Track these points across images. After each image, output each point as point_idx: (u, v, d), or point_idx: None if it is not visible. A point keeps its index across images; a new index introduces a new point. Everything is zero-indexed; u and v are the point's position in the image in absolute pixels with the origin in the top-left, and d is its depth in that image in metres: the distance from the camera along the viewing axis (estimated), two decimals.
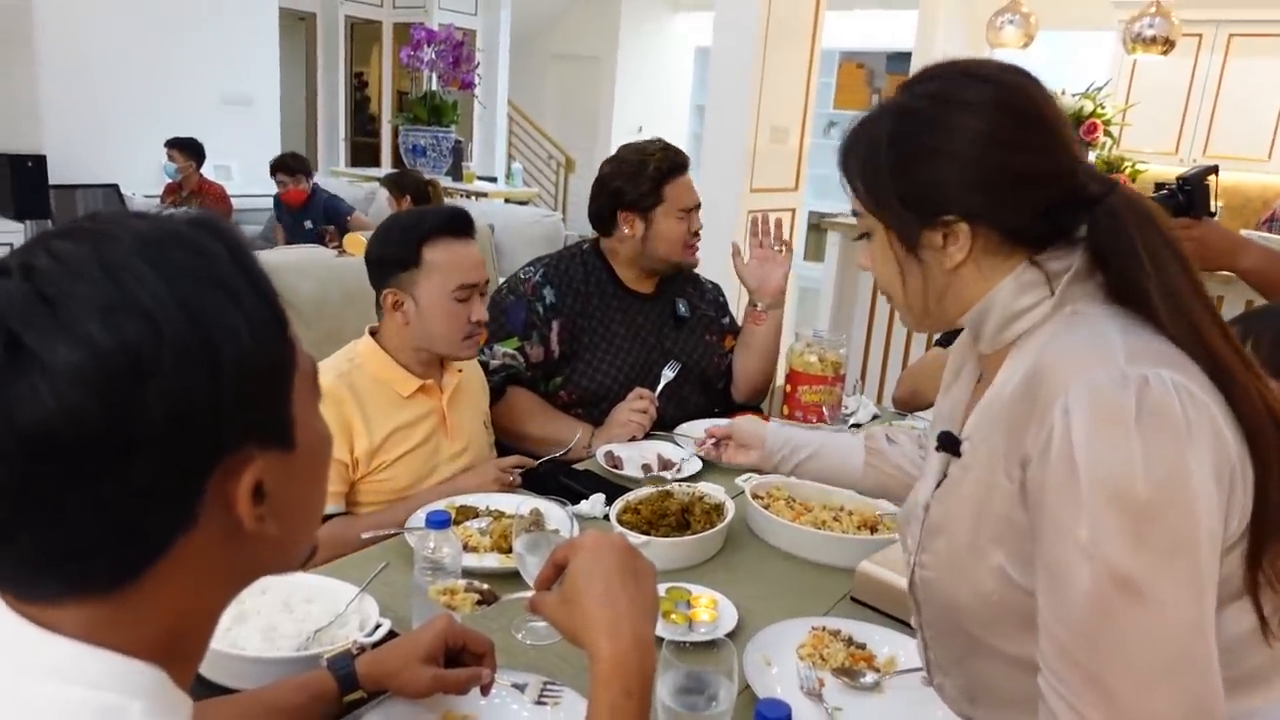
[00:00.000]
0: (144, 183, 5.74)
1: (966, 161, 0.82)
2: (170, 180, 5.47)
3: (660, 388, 1.96)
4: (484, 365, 1.91)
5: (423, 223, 1.59)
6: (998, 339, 0.86)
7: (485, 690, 0.98)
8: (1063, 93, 3.56)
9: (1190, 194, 1.95)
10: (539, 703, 0.94)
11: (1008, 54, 4.32)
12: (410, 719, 0.99)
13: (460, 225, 1.60)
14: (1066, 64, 5.83)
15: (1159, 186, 1.93)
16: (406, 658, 0.96)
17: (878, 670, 1.16)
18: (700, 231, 2.06)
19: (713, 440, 1.47)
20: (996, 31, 4.03)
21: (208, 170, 5.66)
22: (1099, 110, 3.51)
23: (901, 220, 0.86)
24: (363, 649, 0.99)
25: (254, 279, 0.55)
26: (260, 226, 5.72)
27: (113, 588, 0.52)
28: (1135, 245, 0.78)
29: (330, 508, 1.51)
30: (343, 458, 1.52)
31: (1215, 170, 1.99)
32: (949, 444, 0.89)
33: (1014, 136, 0.81)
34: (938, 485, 0.91)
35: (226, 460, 0.52)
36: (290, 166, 5.12)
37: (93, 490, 0.48)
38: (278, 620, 1.10)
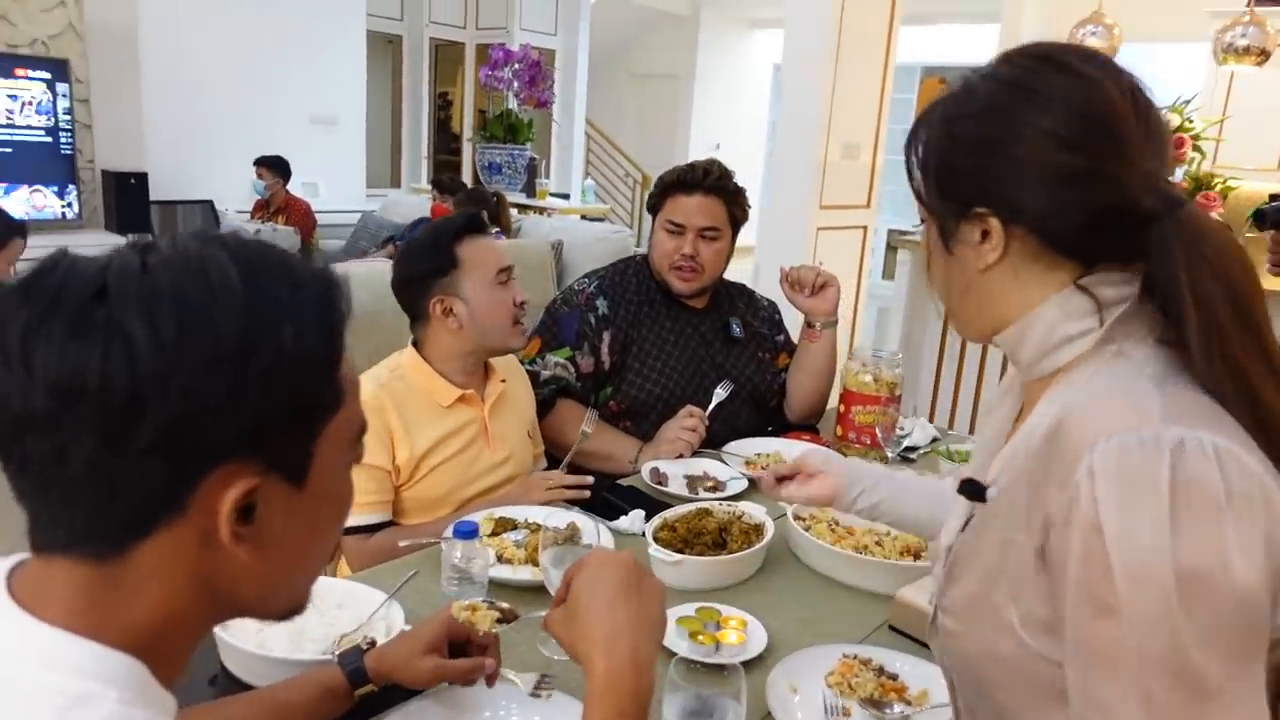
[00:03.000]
0: (236, 199, 6.00)
1: (1004, 152, 0.74)
2: (259, 197, 5.71)
3: (711, 407, 1.94)
4: (534, 376, 1.93)
5: (448, 228, 1.65)
6: (1035, 368, 0.79)
7: (490, 681, 0.99)
8: None
9: None
10: (534, 695, 0.94)
11: None
12: None
13: (480, 224, 1.70)
14: (1157, 77, 5.60)
15: (1274, 198, 1.85)
16: (410, 650, 0.98)
17: (908, 703, 1.12)
18: (700, 259, 1.98)
19: (775, 477, 1.32)
20: (1078, 44, 3.89)
21: (295, 187, 5.90)
22: (1186, 124, 3.35)
23: (939, 209, 0.80)
24: (372, 644, 1.01)
25: (328, 315, 0.58)
26: (343, 241, 5.91)
27: (100, 555, 0.54)
28: (1177, 274, 0.69)
29: (376, 516, 1.55)
30: (384, 464, 1.55)
31: None
32: (974, 491, 0.81)
33: (1062, 131, 0.72)
34: (963, 528, 0.85)
35: (226, 466, 0.54)
36: (445, 184, 5.41)
37: (94, 443, 0.51)
38: (306, 624, 1.13)
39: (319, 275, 0.59)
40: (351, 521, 1.53)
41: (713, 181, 1.98)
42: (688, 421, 1.88)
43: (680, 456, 1.86)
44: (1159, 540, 0.62)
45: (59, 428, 0.51)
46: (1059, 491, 0.68)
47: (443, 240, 1.62)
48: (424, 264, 1.62)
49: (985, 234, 0.77)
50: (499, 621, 1.00)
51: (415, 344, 1.66)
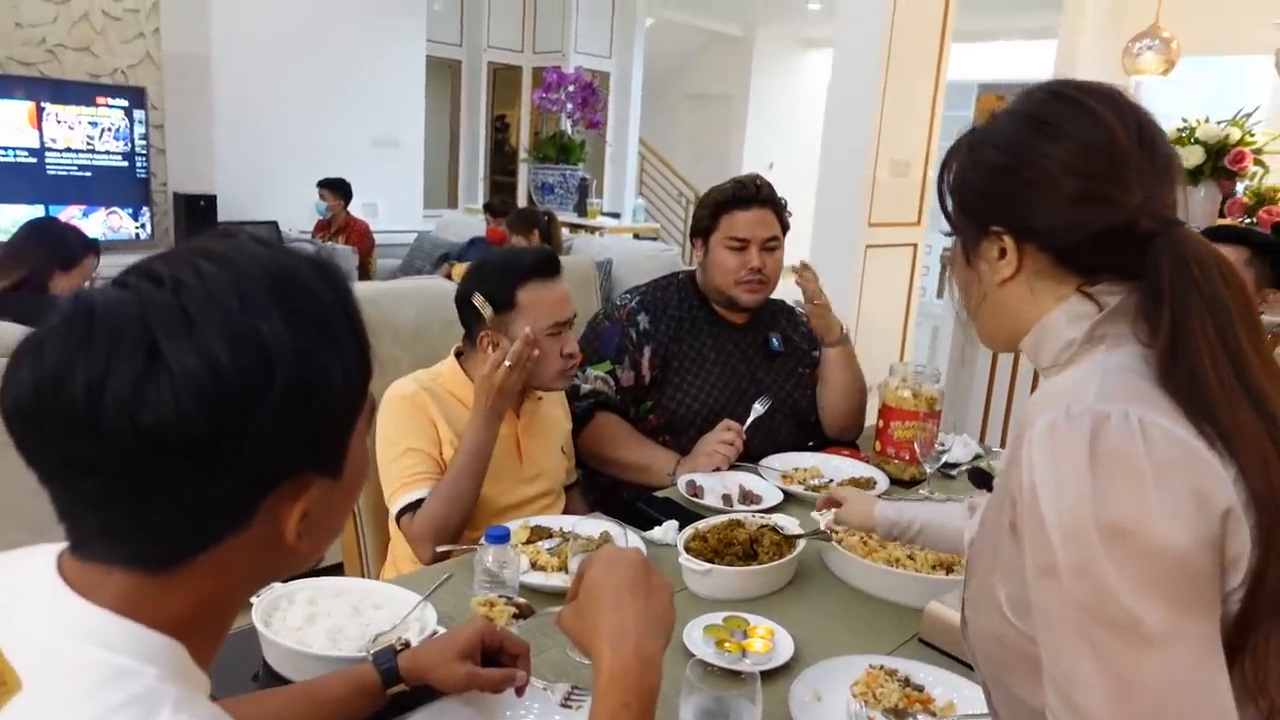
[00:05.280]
0: (299, 220, 6.20)
1: (1017, 177, 0.83)
2: (321, 218, 5.89)
3: (749, 421, 1.95)
4: (575, 390, 1.96)
5: (518, 265, 1.63)
6: (1049, 370, 0.85)
7: (520, 691, 1.02)
8: (1205, 120, 3.35)
9: None
10: (564, 705, 0.97)
11: (1147, 81, 4.09)
12: None
13: (552, 267, 1.65)
14: (1223, 90, 5.46)
15: None
16: (444, 654, 1.00)
17: (933, 715, 1.12)
18: (765, 270, 2.01)
19: (824, 510, 1.50)
20: (1133, 59, 3.82)
21: (356, 208, 6.07)
22: (1248, 138, 3.27)
23: (962, 226, 0.89)
24: (406, 644, 1.04)
25: (355, 329, 0.62)
26: (400, 260, 6.06)
27: (159, 568, 0.58)
28: (1162, 284, 0.75)
29: (425, 490, 1.54)
30: (433, 451, 1.58)
31: None
32: (981, 479, 0.90)
33: (1069, 159, 0.80)
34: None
35: (290, 481, 0.59)
36: (495, 208, 5.54)
37: (176, 486, 0.55)
38: (345, 623, 1.17)
39: (331, 282, 0.61)
40: (404, 500, 1.54)
41: (765, 194, 2.02)
42: (725, 435, 1.89)
43: (717, 469, 1.87)
44: (1080, 497, 0.68)
45: (141, 474, 0.54)
46: (1017, 468, 0.75)
47: (508, 278, 1.61)
48: (484, 293, 1.60)
49: (1002, 251, 0.85)
50: (515, 617, 1.03)
51: (459, 354, 1.70)
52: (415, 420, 1.58)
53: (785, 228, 2.07)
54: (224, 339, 0.54)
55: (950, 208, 0.90)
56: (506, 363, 1.52)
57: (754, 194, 2.01)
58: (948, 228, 0.94)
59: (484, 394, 1.54)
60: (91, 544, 0.58)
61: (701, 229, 2.07)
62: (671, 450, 1.96)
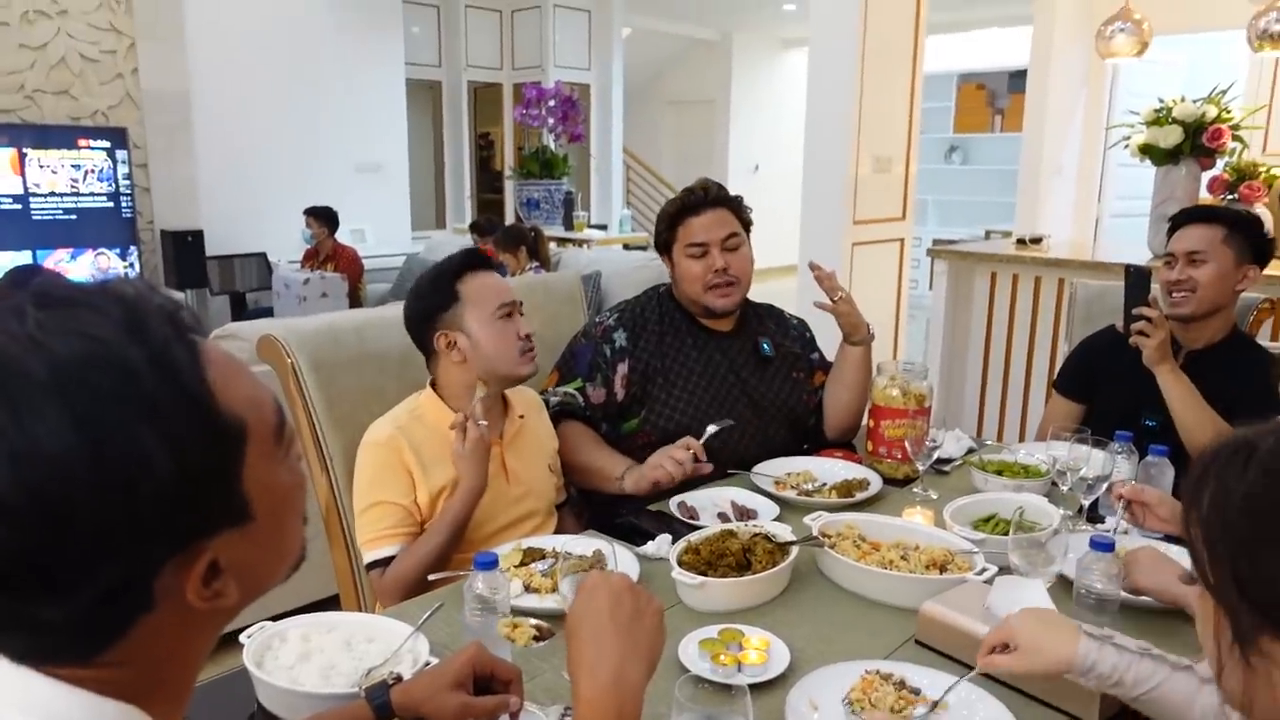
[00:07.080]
0: (287, 249, 6.20)
1: None
2: (308, 246, 5.90)
3: (705, 438, 1.86)
4: (545, 402, 1.95)
5: (449, 265, 1.69)
6: None
7: (514, 717, 1.01)
8: (1182, 99, 3.36)
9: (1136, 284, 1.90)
10: None
11: (1123, 63, 4.10)
12: None
13: (481, 260, 1.74)
14: (1199, 68, 5.48)
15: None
16: (435, 685, 0.99)
17: (930, 707, 1.12)
18: (732, 269, 2.00)
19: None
20: (1106, 42, 3.84)
21: (343, 234, 6.09)
22: (1224, 114, 3.28)
23: (1236, 610, 0.64)
24: (398, 678, 1.04)
25: (182, 384, 0.54)
26: (390, 284, 6.07)
27: (82, 662, 0.56)
28: None
29: (389, 549, 1.55)
30: (401, 500, 1.57)
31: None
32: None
33: None
34: None
35: (172, 560, 0.55)
36: (482, 227, 5.54)
37: (32, 613, 0.52)
38: (337, 659, 1.16)
39: (142, 339, 0.53)
40: (370, 557, 1.56)
41: (715, 195, 2.03)
42: (678, 454, 1.81)
43: (656, 484, 1.80)
44: None
45: None
46: None
47: (444, 277, 1.67)
48: (427, 300, 1.67)
49: None
50: (535, 638, 1.05)
51: (432, 383, 1.70)
52: (388, 468, 1.58)
53: (747, 224, 2.07)
54: (2, 464, 0.49)
55: (1220, 577, 0.65)
56: (474, 420, 1.54)
57: (703, 198, 2.02)
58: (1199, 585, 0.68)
59: (463, 467, 1.54)
60: (15, 653, 0.56)
61: (662, 243, 2.09)
62: (620, 455, 1.93)
